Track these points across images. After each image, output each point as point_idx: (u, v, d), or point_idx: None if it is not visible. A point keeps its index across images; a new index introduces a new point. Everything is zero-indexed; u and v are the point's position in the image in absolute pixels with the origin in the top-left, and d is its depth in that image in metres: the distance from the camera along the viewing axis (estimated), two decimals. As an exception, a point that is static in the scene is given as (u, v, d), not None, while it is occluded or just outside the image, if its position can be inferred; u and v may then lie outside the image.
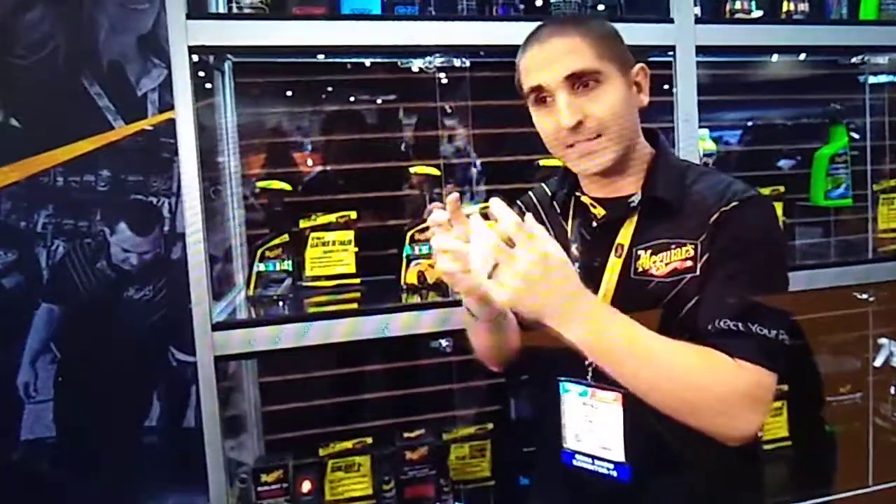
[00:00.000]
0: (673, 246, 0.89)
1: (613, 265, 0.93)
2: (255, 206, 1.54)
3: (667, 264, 0.89)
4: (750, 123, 1.91)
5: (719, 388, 0.80)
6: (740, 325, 0.82)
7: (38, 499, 1.57)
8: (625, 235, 0.93)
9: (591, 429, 0.94)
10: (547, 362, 0.98)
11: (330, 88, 1.65)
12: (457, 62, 1.37)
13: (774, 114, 1.91)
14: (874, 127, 1.74)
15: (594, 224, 0.96)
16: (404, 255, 1.43)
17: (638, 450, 0.91)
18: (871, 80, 1.72)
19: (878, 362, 1.69)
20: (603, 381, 0.90)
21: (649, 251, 0.90)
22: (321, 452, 1.51)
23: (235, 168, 1.51)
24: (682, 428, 0.83)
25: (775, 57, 1.69)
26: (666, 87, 1.35)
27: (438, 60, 1.37)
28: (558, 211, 1.03)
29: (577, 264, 0.95)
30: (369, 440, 1.53)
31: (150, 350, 1.60)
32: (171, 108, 1.53)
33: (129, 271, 1.59)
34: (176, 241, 1.60)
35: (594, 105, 0.89)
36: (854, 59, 1.56)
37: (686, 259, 0.88)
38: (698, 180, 0.93)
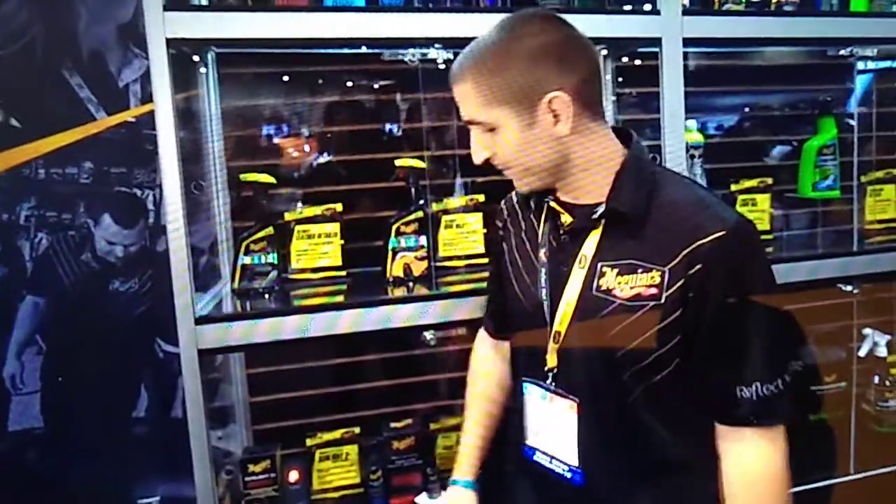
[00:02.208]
0: (639, 269, 0.87)
1: (577, 276, 0.92)
2: (239, 199, 1.53)
3: (631, 287, 0.87)
4: (737, 114, 1.91)
5: (786, 480, 0.86)
6: (755, 389, 0.84)
7: (27, 489, 1.58)
8: (589, 247, 0.92)
9: (549, 430, 0.96)
10: (516, 362, 1.04)
11: (315, 80, 1.63)
12: (444, 54, 1.35)
13: (764, 104, 1.91)
14: (866, 118, 1.74)
15: (562, 231, 0.95)
16: (390, 247, 1.43)
17: (590, 457, 0.93)
18: (860, 67, 1.72)
19: (862, 352, 1.71)
20: (562, 388, 0.93)
21: (615, 270, 0.89)
22: (309, 442, 1.52)
23: (220, 160, 1.50)
24: (637, 442, 0.90)
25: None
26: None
27: (422, 53, 1.36)
28: (533, 213, 1.02)
29: (543, 269, 0.96)
30: (357, 430, 1.55)
31: (137, 341, 1.60)
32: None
33: (114, 263, 1.58)
34: (161, 234, 1.59)
35: (494, 145, 0.91)
36: (843, 52, 1.55)
37: (651, 286, 0.86)
38: (668, 197, 0.89)
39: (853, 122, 1.78)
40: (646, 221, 0.88)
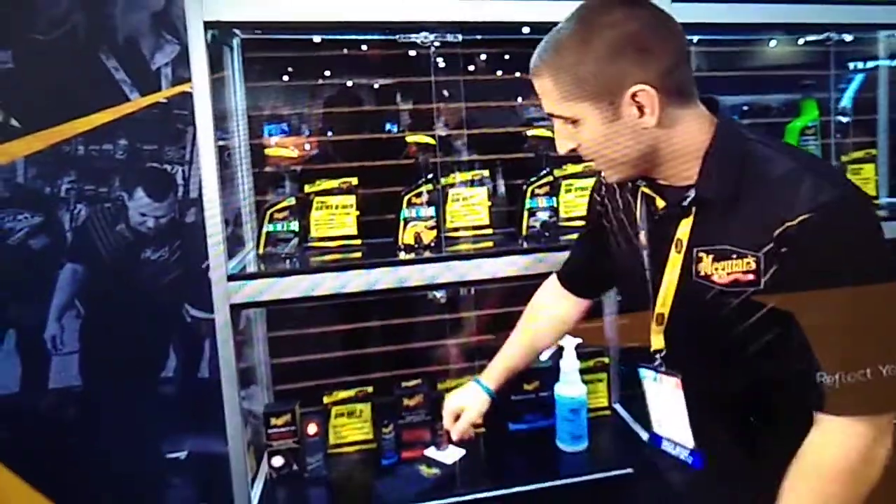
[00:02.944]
0: (734, 255, 0.84)
1: (674, 260, 0.91)
2: (263, 173, 1.65)
3: (728, 273, 0.85)
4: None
5: (845, 479, 0.81)
6: (838, 376, 0.79)
7: (66, 443, 1.70)
8: (683, 231, 0.91)
9: (666, 413, 0.99)
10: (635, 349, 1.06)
11: (332, 65, 1.75)
12: (450, 38, 1.47)
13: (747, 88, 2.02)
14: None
15: (656, 215, 0.95)
16: (401, 217, 1.54)
17: (704, 436, 0.95)
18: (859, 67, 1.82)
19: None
20: (669, 368, 0.96)
21: (711, 256, 0.87)
22: (325, 400, 1.64)
23: (245, 137, 1.62)
24: (743, 421, 0.91)
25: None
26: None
27: (433, 36, 1.47)
28: (630, 195, 1.02)
29: (644, 252, 0.97)
30: (370, 389, 1.66)
31: (166, 306, 1.72)
32: (184, 81, 1.67)
33: (146, 234, 1.71)
34: (189, 206, 1.72)
35: (579, 136, 0.90)
36: (820, 37, 1.66)
37: (748, 272, 0.83)
38: (761, 173, 0.84)
39: (838, 105, 1.89)
40: (737, 202, 0.85)
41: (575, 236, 1.37)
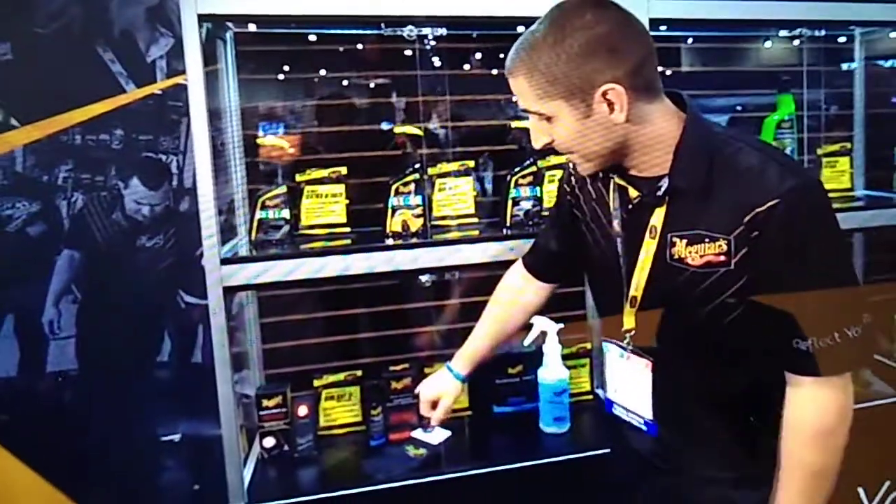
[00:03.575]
0: (706, 239, 0.91)
1: (648, 246, 0.97)
2: (259, 166, 1.70)
3: (701, 256, 0.92)
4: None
5: (830, 431, 0.91)
6: (811, 341, 0.88)
7: (63, 425, 1.75)
8: (657, 218, 0.96)
9: (626, 386, 1.07)
10: (603, 326, 1.15)
11: (323, 59, 1.80)
12: (436, 31, 1.53)
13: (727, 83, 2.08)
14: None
15: (629, 205, 1.00)
16: (389, 205, 1.59)
17: (663, 411, 1.02)
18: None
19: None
20: (638, 348, 1.02)
21: (684, 241, 0.93)
22: (315, 384, 1.68)
23: (237, 128, 1.66)
24: (706, 396, 0.98)
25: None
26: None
27: (419, 30, 1.52)
28: (602, 185, 1.07)
29: (618, 239, 1.03)
30: (359, 373, 1.71)
31: (161, 293, 1.77)
32: (178, 73, 1.71)
33: (141, 222, 1.75)
34: (184, 195, 1.77)
35: (553, 132, 0.96)
36: (791, 33, 1.72)
37: (720, 254, 0.90)
38: (729, 162, 0.91)
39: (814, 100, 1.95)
40: (708, 190, 0.91)
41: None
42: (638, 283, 1.00)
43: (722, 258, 0.90)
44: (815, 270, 0.88)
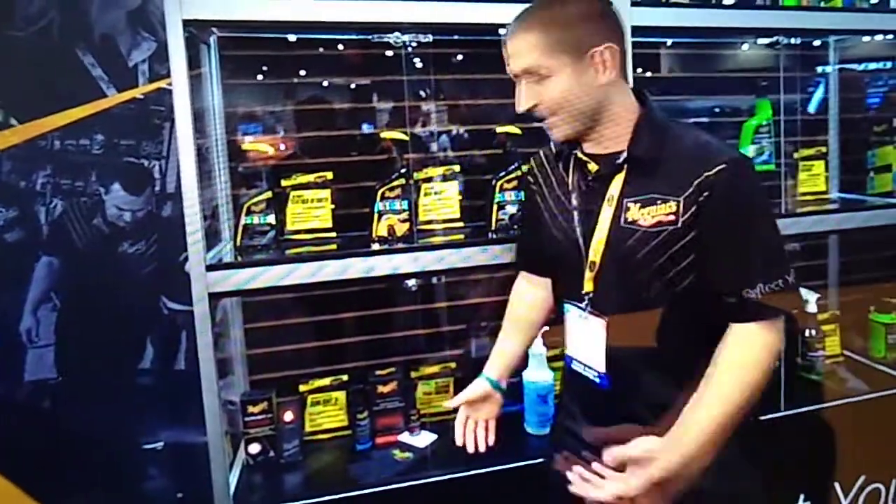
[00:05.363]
0: (658, 201, 1.03)
1: (606, 213, 1.09)
2: (239, 168, 1.69)
3: (653, 217, 1.04)
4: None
5: (764, 369, 1.00)
6: (771, 285, 1.00)
7: (41, 435, 1.72)
8: (616, 187, 1.08)
9: (584, 343, 1.15)
10: (557, 289, 1.24)
11: (308, 63, 1.80)
12: (421, 38, 1.53)
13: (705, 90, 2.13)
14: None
15: (589, 178, 1.12)
16: (375, 210, 1.59)
17: (615, 364, 1.11)
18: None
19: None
20: (596, 308, 1.11)
21: (638, 204, 1.05)
22: (301, 389, 1.68)
23: (221, 133, 1.65)
24: (653, 350, 1.06)
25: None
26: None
27: (406, 37, 1.53)
28: (562, 166, 1.19)
29: (576, 211, 1.13)
30: (345, 377, 1.72)
31: (143, 299, 1.75)
32: (161, 78, 1.70)
33: (123, 227, 1.73)
34: (166, 201, 1.75)
35: (545, 92, 1.07)
36: (769, 40, 1.76)
37: (669, 214, 1.02)
38: (680, 139, 1.06)
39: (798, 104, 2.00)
40: (661, 162, 1.05)
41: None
42: (596, 248, 1.10)
43: (671, 217, 1.02)
44: (757, 227, 1.02)
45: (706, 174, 1.00)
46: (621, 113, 1.09)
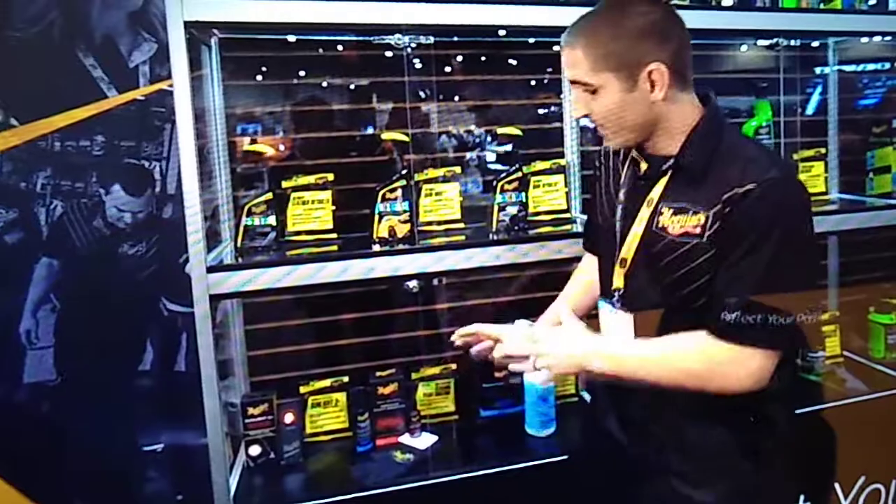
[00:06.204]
0: (690, 212, 1.03)
1: (643, 215, 1.10)
2: (240, 170, 1.68)
3: (681, 226, 1.04)
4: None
5: (718, 379, 1.00)
6: (748, 317, 0.97)
7: (41, 437, 1.71)
8: (657, 191, 1.09)
9: (614, 336, 1.17)
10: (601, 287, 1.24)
11: (309, 65, 1.80)
12: (422, 39, 1.54)
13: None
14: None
15: (638, 176, 1.13)
16: (376, 211, 1.59)
17: None
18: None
19: None
20: (625, 305, 1.14)
21: (671, 211, 1.06)
22: (302, 390, 1.68)
23: (222, 134, 1.65)
24: None
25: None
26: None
27: (407, 38, 1.53)
28: (620, 160, 1.20)
29: (620, 206, 1.15)
30: (345, 379, 1.71)
31: (143, 301, 1.74)
32: (162, 79, 1.70)
33: (123, 229, 1.72)
34: (167, 202, 1.74)
35: (594, 104, 1.08)
36: (768, 42, 1.77)
37: (697, 226, 1.01)
38: (729, 152, 1.03)
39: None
40: (706, 172, 1.03)
41: (544, 229, 1.59)
42: (629, 246, 1.12)
43: (698, 230, 1.02)
44: (763, 254, 0.96)
45: (736, 190, 0.98)
46: (676, 124, 1.07)
